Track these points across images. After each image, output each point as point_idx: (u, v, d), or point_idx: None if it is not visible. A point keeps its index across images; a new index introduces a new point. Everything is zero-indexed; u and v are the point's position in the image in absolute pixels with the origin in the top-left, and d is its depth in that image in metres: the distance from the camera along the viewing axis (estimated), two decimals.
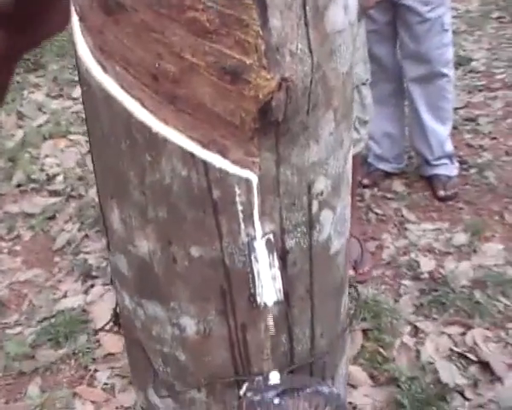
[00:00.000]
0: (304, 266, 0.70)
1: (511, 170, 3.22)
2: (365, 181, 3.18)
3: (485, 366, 2.28)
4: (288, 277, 0.69)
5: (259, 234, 0.65)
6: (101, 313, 2.68)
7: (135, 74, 0.61)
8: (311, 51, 0.62)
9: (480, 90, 4.05)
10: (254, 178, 0.62)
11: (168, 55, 0.59)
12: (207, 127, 0.61)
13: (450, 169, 3.08)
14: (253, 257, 0.65)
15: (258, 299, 0.67)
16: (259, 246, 0.65)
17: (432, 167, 3.10)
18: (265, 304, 0.67)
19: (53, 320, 2.61)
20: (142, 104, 0.62)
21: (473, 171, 3.24)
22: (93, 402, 2.32)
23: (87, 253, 2.98)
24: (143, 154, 0.62)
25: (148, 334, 0.76)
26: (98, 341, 2.58)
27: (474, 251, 2.75)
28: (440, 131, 3.03)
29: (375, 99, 2.68)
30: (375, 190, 3.17)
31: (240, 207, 0.63)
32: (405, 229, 2.92)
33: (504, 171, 3.21)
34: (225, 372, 0.75)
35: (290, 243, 0.67)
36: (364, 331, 2.45)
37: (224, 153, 0.61)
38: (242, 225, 0.64)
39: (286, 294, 0.70)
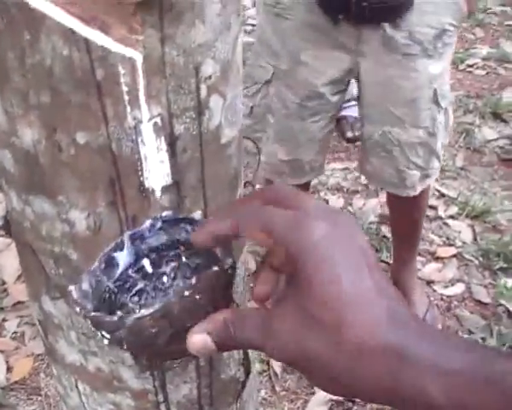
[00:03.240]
0: (194, 154, 0.69)
1: None
2: None
3: None
4: (178, 165, 0.68)
5: (146, 117, 0.63)
6: (9, 263, 2.63)
7: None
8: None
9: None
10: (139, 57, 0.61)
11: None
12: (88, 2, 0.58)
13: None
14: (139, 141, 0.64)
15: (146, 183, 0.66)
16: (146, 129, 0.63)
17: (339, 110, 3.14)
18: (153, 189, 0.66)
19: None
20: None
21: None
22: (2, 351, 2.28)
23: None
24: (22, 32, 0.60)
25: (38, 234, 0.73)
26: (6, 290, 2.53)
27: (381, 189, 2.82)
28: None
29: None
30: None
31: (125, 89, 0.62)
32: None
33: None
34: None
35: (179, 128, 0.66)
36: None
37: (106, 30, 0.59)
38: (128, 108, 0.63)
39: (177, 183, 0.69)
